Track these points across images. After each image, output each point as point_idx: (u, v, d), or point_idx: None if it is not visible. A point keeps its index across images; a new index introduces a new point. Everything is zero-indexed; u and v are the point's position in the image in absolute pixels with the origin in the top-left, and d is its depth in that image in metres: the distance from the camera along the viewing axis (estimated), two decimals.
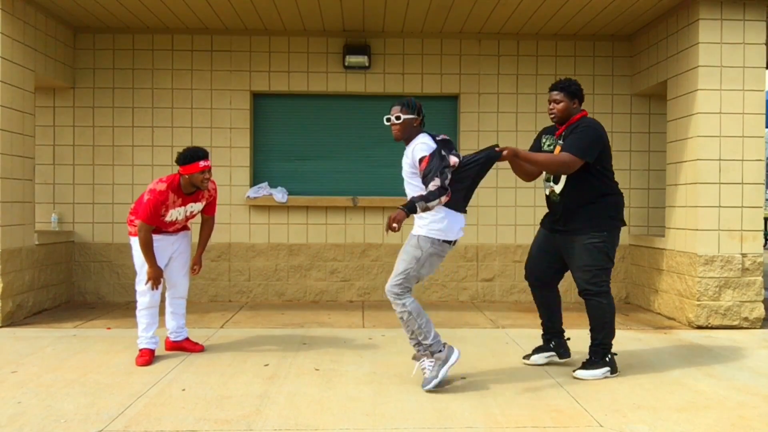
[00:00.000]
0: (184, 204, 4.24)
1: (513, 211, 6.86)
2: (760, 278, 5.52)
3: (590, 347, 4.06)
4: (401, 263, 3.73)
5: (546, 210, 4.32)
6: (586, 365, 4.02)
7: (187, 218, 4.36)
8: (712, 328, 5.48)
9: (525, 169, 4.18)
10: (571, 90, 4.00)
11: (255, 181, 6.87)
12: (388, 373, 4.05)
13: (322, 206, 6.78)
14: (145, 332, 4.30)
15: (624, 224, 4.10)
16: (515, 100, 6.86)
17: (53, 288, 6.26)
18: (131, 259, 6.61)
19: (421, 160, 3.64)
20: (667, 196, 6.08)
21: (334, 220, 6.81)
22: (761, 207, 5.60)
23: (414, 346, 3.79)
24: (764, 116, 5.55)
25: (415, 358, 3.83)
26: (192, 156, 4.06)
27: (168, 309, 4.57)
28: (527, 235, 6.83)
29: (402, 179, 3.87)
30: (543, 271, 4.21)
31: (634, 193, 6.85)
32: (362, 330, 5.36)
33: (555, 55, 6.86)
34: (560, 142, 4.01)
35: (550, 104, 4.06)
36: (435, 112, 6.90)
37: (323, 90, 6.82)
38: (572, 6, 5.87)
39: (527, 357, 4.34)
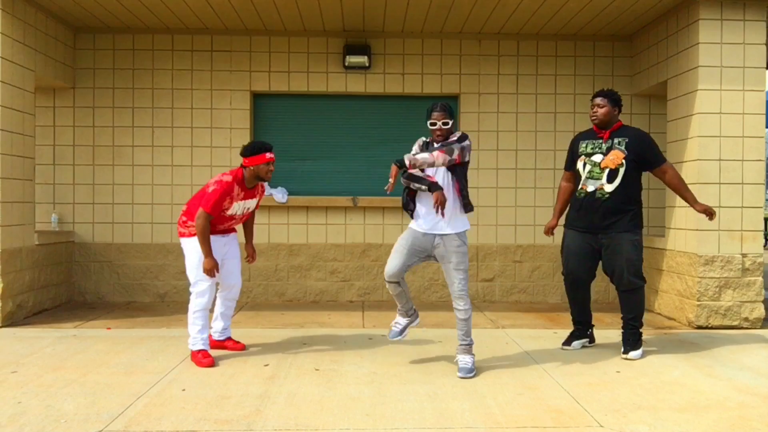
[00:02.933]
0: (245, 198, 4.33)
1: (513, 211, 6.86)
2: (760, 278, 5.52)
3: (631, 332, 4.52)
4: (462, 265, 3.98)
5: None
6: (634, 346, 4.48)
7: (242, 216, 4.44)
8: (712, 328, 5.48)
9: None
10: (614, 98, 4.48)
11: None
12: (388, 373, 4.05)
13: (322, 206, 6.78)
14: (200, 333, 4.28)
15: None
16: (515, 100, 6.86)
17: (53, 288, 6.26)
18: (132, 260, 6.68)
19: None
20: (667, 196, 6.08)
21: (334, 220, 6.81)
22: (761, 207, 5.60)
23: (466, 345, 4.08)
24: (764, 116, 5.55)
25: (461, 352, 4.10)
26: (259, 148, 4.21)
27: (218, 310, 4.60)
28: (527, 235, 6.83)
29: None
30: (587, 271, 4.60)
31: None
32: (362, 330, 5.36)
33: (555, 55, 6.86)
34: (617, 147, 4.41)
35: (593, 108, 4.49)
36: None
37: (323, 90, 6.82)
38: (572, 6, 5.87)
39: (567, 343, 4.76)
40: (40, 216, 6.59)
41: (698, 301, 5.48)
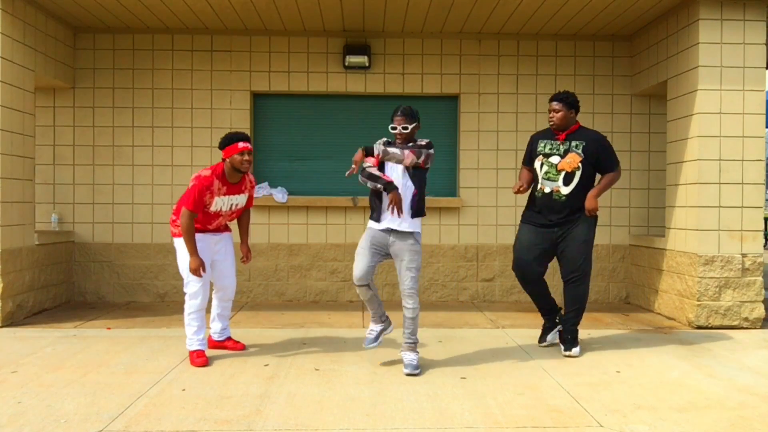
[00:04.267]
0: (228, 193, 4.25)
1: (513, 211, 6.85)
2: (760, 278, 5.52)
3: (571, 327, 4.58)
4: (414, 263, 4.04)
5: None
6: (574, 343, 4.54)
7: (231, 213, 4.35)
8: (712, 328, 5.48)
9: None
10: (569, 101, 4.52)
11: (255, 181, 6.86)
12: (388, 373, 4.05)
13: (322, 206, 6.78)
14: (196, 335, 4.27)
15: None
16: (515, 100, 6.86)
17: (53, 288, 6.26)
18: (132, 260, 6.68)
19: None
20: (667, 196, 6.08)
21: (334, 220, 6.81)
22: (761, 207, 5.60)
23: (411, 343, 4.11)
24: (764, 116, 5.55)
25: (406, 349, 4.13)
26: (231, 138, 4.16)
27: (215, 311, 4.59)
28: None
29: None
30: (537, 264, 4.62)
31: (634, 193, 6.85)
32: (362, 330, 5.36)
33: (555, 55, 6.86)
34: (575, 150, 4.49)
35: (550, 113, 4.57)
36: (435, 112, 6.91)
37: (323, 90, 6.82)
38: (572, 6, 5.87)
39: (542, 340, 4.78)
40: (40, 216, 6.59)
41: (698, 301, 5.48)
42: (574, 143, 4.51)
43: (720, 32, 5.50)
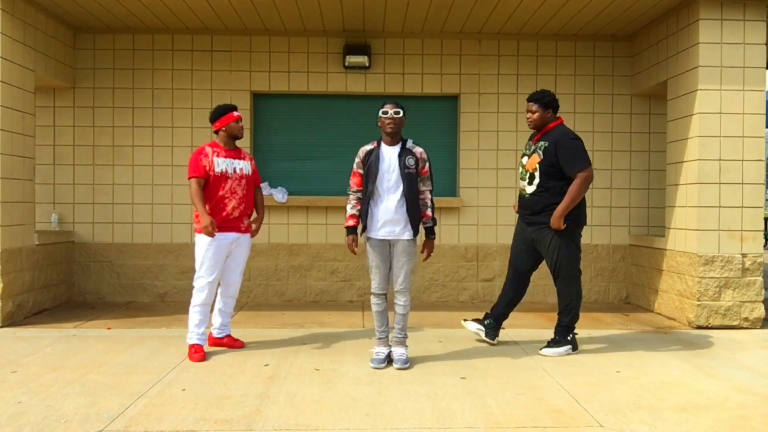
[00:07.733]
0: (228, 156, 4.45)
1: (513, 211, 6.84)
2: (760, 278, 5.52)
3: (558, 328, 4.60)
4: (409, 264, 4.18)
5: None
6: (554, 344, 4.54)
7: (240, 178, 4.46)
8: (712, 328, 5.48)
9: None
10: (544, 101, 4.51)
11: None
12: (388, 373, 4.05)
13: (322, 206, 6.78)
14: (197, 328, 4.40)
15: (584, 221, 4.61)
16: (515, 100, 6.85)
17: (53, 288, 6.26)
18: (132, 260, 6.68)
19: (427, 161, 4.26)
20: (667, 196, 6.08)
21: (334, 220, 6.81)
22: (761, 207, 5.60)
23: (401, 338, 4.24)
24: (764, 116, 5.55)
25: (396, 344, 4.25)
26: (225, 109, 4.45)
27: (217, 306, 4.68)
28: None
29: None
30: (524, 261, 4.69)
31: (634, 193, 6.85)
32: (362, 330, 5.36)
33: (555, 55, 6.86)
34: (538, 151, 4.50)
35: (527, 113, 4.61)
36: (435, 112, 6.91)
37: (323, 90, 6.82)
38: (572, 6, 5.87)
39: (466, 320, 4.94)
40: (40, 216, 6.59)
41: (698, 301, 5.48)
42: (540, 144, 4.52)
43: (720, 32, 5.50)
